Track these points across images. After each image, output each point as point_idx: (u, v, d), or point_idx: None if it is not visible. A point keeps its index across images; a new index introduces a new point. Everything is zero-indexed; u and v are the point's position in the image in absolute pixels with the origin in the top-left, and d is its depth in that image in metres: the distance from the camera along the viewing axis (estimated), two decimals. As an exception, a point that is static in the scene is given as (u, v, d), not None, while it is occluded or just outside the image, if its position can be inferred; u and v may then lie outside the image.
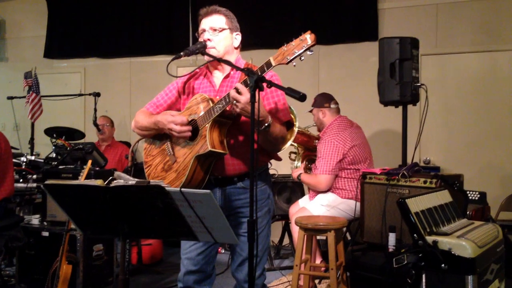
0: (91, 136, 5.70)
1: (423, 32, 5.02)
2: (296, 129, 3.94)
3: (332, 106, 4.05)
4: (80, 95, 5.88)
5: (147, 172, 2.46)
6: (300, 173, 4.02)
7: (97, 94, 5.36)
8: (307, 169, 4.23)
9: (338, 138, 3.84)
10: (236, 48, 2.43)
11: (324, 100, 4.06)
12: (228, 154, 2.24)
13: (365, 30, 5.35)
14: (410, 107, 3.84)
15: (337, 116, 4.04)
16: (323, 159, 3.81)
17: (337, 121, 3.99)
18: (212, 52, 2.32)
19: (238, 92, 2.03)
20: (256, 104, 1.92)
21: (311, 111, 4.11)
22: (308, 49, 1.97)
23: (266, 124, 2.11)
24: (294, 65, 2.02)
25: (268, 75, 2.13)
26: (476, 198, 3.77)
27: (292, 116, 4.11)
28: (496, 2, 5.01)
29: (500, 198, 4.43)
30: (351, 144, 3.84)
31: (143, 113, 2.46)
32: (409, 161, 3.77)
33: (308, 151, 4.38)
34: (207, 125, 2.18)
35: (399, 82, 3.67)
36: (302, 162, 4.32)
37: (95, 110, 5.29)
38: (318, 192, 3.91)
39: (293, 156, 4.42)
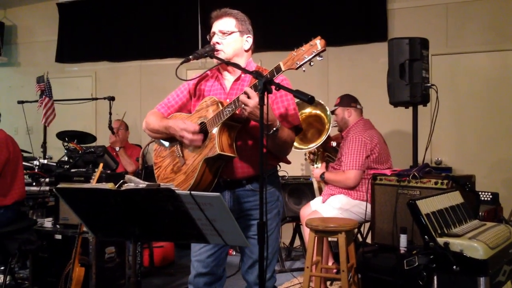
0: (103, 139, 5.74)
1: (433, 32, 4.99)
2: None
3: (358, 106, 4.12)
4: (94, 99, 5.91)
5: (157, 174, 2.48)
6: (323, 172, 4.02)
7: (111, 98, 5.39)
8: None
9: (365, 135, 3.85)
10: (247, 51, 2.43)
11: (351, 100, 4.12)
12: (237, 157, 2.25)
13: (375, 31, 5.34)
14: (420, 107, 3.82)
15: (361, 117, 4.10)
16: (351, 155, 3.81)
17: (362, 121, 4.04)
18: (220, 55, 2.33)
19: (248, 96, 2.03)
20: (265, 107, 1.93)
21: (333, 111, 4.13)
22: (318, 54, 1.96)
23: (274, 129, 2.11)
24: (304, 71, 2.01)
25: (278, 79, 2.13)
26: (489, 199, 3.74)
27: (323, 115, 4.20)
28: (506, 1, 4.97)
29: (513, 199, 4.39)
30: (376, 141, 3.86)
31: (155, 115, 2.46)
32: (420, 162, 3.76)
33: (326, 151, 4.40)
34: (216, 128, 2.19)
35: (409, 82, 3.66)
36: (322, 162, 4.33)
37: (110, 114, 5.32)
38: (333, 193, 3.90)
39: (312, 157, 4.43)
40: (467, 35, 5.12)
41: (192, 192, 1.69)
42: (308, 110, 4.31)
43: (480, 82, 5.10)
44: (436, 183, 3.13)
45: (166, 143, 2.46)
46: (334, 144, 4.29)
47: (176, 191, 1.70)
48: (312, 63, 2.00)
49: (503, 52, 5.02)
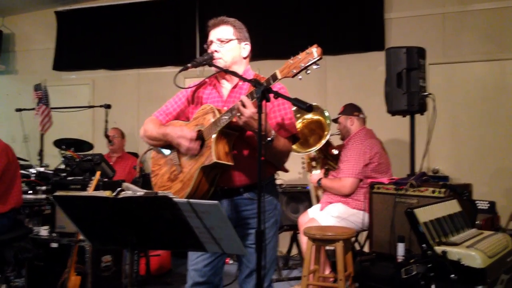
0: (100, 147, 5.73)
1: (430, 41, 5.02)
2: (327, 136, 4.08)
3: (361, 116, 4.12)
4: (90, 107, 5.91)
5: (154, 181, 2.47)
6: (321, 178, 4.02)
7: (107, 106, 5.39)
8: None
9: (366, 144, 3.86)
10: (245, 58, 2.43)
11: (354, 109, 4.13)
12: (234, 165, 2.24)
13: (372, 40, 5.37)
14: (417, 116, 3.84)
15: (364, 126, 4.10)
16: (349, 162, 3.81)
17: (364, 130, 4.04)
18: (219, 63, 2.33)
19: (243, 105, 2.03)
20: (262, 116, 1.92)
21: (336, 119, 4.13)
22: (314, 63, 1.96)
23: (269, 138, 2.11)
24: (300, 79, 2.01)
25: (276, 87, 2.12)
26: (486, 208, 3.74)
27: (323, 120, 4.18)
28: (502, 11, 5.01)
29: (510, 207, 4.39)
30: (376, 151, 3.86)
31: (153, 122, 2.46)
32: (417, 170, 3.76)
33: (327, 159, 4.39)
34: (213, 136, 2.18)
35: (407, 91, 3.68)
36: (321, 168, 4.32)
37: (106, 121, 5.32)
38: (331, 201, 3.89)
39: (313, 163, 4.42)
40: (463, 44, 5.15)
41: (190, 200, 1.68)
42: (310, 116, 4.30)
43: (477, 91, 5.13)
44: (433, 192, 3.14)
45: (164, 151, 2.46)
46: (335, 152, 4.28)
47: (174, 199, 1.69)
48: (308, 71, 1.99)
49: (499, 62, 5.05)
